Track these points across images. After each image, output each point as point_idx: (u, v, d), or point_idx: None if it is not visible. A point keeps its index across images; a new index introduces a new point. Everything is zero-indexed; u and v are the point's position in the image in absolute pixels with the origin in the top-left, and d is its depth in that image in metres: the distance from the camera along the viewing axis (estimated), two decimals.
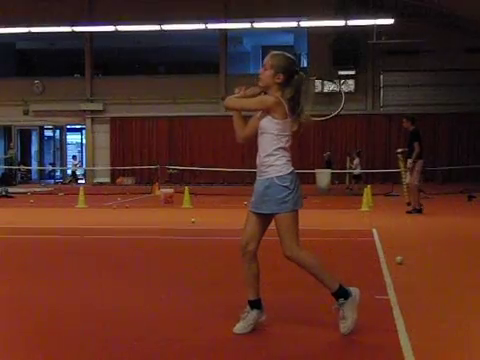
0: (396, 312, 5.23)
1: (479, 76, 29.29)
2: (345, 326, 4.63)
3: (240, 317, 4.78)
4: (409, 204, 14.87)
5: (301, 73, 4.73)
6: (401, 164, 16.03)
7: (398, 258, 7.57)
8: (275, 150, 4.64)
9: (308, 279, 4.85)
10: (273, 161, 4.63)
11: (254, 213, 4.74)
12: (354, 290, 4.71)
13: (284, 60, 4.71)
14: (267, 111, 4.64)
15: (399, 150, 15.98)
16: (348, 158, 24.73)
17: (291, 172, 4.65)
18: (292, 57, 4.75)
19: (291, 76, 4.68)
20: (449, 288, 6.29)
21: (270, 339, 4.63)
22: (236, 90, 4.83)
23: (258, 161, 4.73)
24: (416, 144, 13.93)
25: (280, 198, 4.58)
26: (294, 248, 4.64)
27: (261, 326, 4.79)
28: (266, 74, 4.69)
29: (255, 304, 4.77)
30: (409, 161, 14.15)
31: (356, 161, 23.27)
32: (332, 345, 4.51)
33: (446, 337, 4.64)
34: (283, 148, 4.67)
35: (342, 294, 4.66)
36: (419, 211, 14.23)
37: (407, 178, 14.68)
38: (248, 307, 4.79)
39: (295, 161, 4.88)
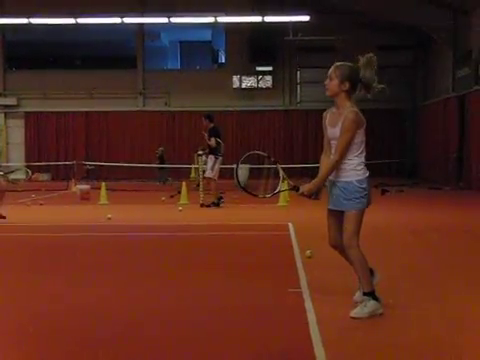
0: (308, 304, 5.35)
1: (391, 73, 30.07)
2: (356, 312, 5.00)
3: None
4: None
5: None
6: (198, 162, 16.64)
7: (308, 252, 7.75)
8: (356, 156, 5.04)
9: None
10: (355, 166, 5.06)
11: (332, 211, 5.21)
12: (381, 301, 5.09)
13: (348, 69, 5.14)
14: (359, 127, 5.02)
15: (200, 152, 16.60)
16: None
17: (368, 176, 5.12)
18: (354, 66, 5.15)
19: (356, 84, 5.10)
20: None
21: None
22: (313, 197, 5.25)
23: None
24: (213, 140, 14.98)
25: (356, 198, 5.03)
26: (353, 241, 5.07)
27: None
28: (332, 84, 5.13)
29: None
30: (210, 156, 15.08)
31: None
32: (249, 327, 4.56)
33: (356, 327, 4.83)
34: (362, 153, 5.10)
35: (372, 297, 5.07)
36: (217, 205, 15.09)
37: (208, 173, 15.25)
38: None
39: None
